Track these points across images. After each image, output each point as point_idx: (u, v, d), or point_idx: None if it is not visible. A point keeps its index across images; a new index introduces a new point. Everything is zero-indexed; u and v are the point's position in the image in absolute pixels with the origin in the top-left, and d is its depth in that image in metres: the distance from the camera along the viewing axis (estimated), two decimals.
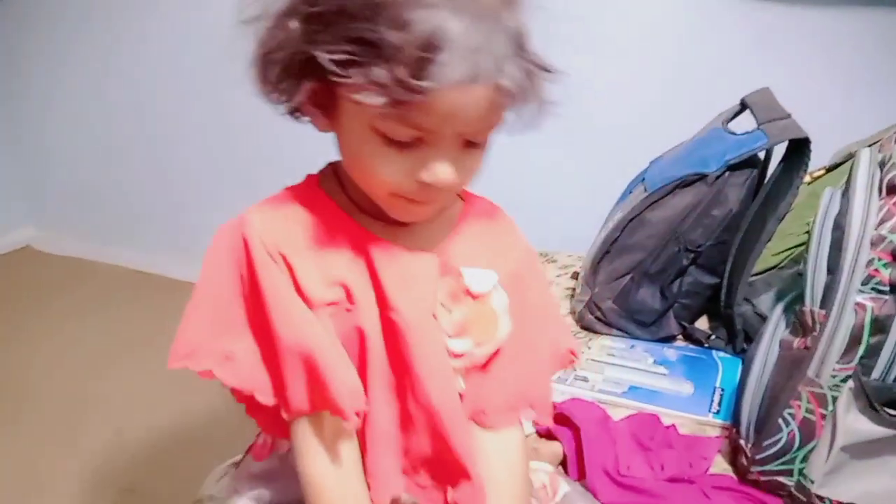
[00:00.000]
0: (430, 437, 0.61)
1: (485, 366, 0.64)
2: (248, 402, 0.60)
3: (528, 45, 0.54)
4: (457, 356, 0.61)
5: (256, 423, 0.64)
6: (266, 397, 0.58)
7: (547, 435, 0.92)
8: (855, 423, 0.74)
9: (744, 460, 0.83)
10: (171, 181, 2.46)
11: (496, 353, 0.64)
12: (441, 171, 0.53)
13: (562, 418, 0.92)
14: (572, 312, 1.27)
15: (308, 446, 0.59)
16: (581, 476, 0.85)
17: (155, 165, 2.47)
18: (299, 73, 0.53)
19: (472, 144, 0.55)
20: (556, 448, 0.89)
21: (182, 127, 2.30)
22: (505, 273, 0.64)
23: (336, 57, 0.49)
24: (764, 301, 1.09)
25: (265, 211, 0.60)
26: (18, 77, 2.62)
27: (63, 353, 2.04)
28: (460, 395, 0.63)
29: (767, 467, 0.80)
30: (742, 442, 0.84)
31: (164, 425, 1.71)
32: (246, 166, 2.06)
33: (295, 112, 0.58)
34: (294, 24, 0.52)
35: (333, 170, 0.64)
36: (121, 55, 2.36)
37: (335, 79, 0.50)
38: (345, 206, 0.61)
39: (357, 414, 0.57)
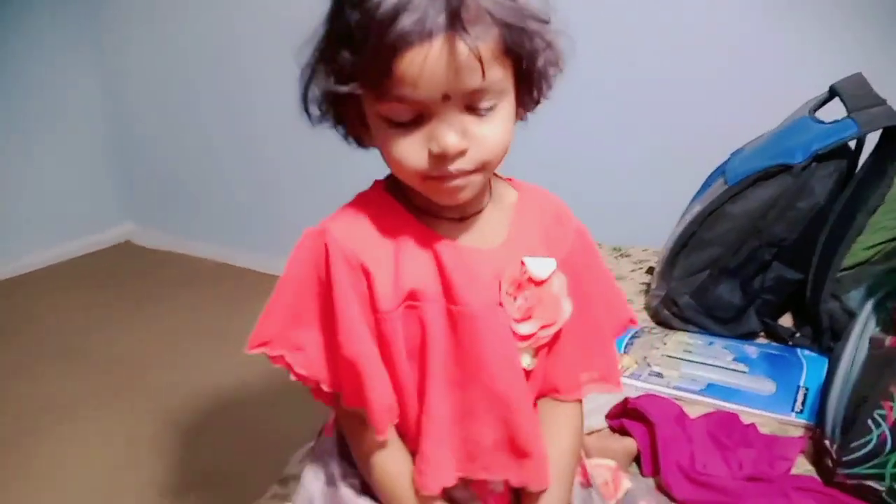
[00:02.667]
0: (494, 424, 0.64)
1: (553, 344, 0.68)
2: (314, 388, 0.66)
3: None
4: (524, 338, 0.64)
5: (323, 403, 0.69)
6: (327, 386, 0.64)
7: (620, 430, 0.91)
8: None
9: (829, 462, 0.80)
10: (257, 179, 2.57)
11: (560, 332, 0.67)
12: (444, 139, 0.54)
13: (636, 414, 0.91)
14: (647, 307, 1.24)
15: (357, 431, 0.66)
16: (654, 472, 0.84)
17: (242, 164, 2.59)
18: (332, 100, 0.60)
19: (476, 112, 0.56)
20: (628, 444, 0.88)
21: (268, 127, 2.39)
22: (562, 256, 0.67)
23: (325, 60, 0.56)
24: (853, 297, 1.04)
25: (345, 221, 0.64)
26: (121, 81, 2.80)
27: (159, 340, 2.18)
28: (529, 373, 0.67)
29: (855, 470, 0.77)
30: (827, 443, 0.80)
31: (247, 409, 1.79)
32: (327, 167, 2.12)
33: (348, 136, 0.64)
34: (313, 58, 0.58)
35: (393, 176, 0.67)
36: (211, 54, 2.48)
37: (334, 86, 0.55)
38: (411, 209, 0.65)
39: (387, 427, 0.63)
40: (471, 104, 0.55)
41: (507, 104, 0.58)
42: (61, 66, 2.72)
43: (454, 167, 0.56)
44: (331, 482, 0.71)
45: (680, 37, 1.64)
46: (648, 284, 1.29)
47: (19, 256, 2.70)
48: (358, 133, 0.63)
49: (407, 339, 0.63)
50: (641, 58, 1.70)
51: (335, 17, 0.56)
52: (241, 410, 1.80)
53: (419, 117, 0.55)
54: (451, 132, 0.55)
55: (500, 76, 0.56)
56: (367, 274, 0.62)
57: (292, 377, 0.65)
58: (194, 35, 2.49)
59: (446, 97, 0.54)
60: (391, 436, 0.65)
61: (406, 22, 0.50)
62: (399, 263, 0.62)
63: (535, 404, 0.70)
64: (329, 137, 0.65)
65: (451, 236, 0.64)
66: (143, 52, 2.67)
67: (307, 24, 0.58)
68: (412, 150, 0.56)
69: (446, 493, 0.67)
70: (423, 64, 0.51)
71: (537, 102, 0.64)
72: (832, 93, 1.14)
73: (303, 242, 0.64)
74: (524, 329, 0.64)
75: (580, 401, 0.72)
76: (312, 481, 0.72)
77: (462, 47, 0.51)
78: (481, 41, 0.52)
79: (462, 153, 0.56)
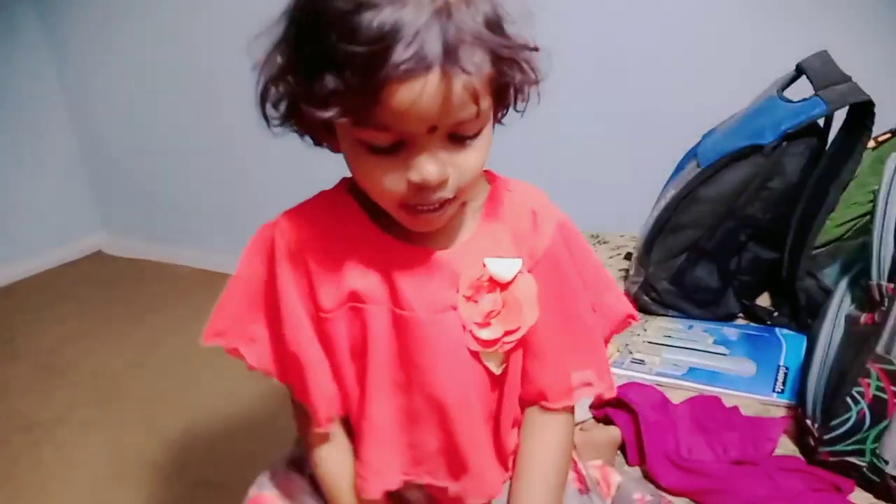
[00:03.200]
0: (437, 432, 0.63)
1: (532, 346, 0.65)
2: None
3: (497, 28, 0.53)
4: (488, 343, 0.62)
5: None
6: (277, 379, 0.65)
7: (604, 420, 0.91)
8: None
9: (811, 441, 0.80)
10: (229, 184, 2.53)
11: (542, 333, 0.64)
12: (426, 170, 0.52)
13: (619, 403, 0.91)
14: (626, 294, 1.24)
15: (304, 425, 0.67)
16: (640, 461, 0.84)
17: (213, 168, 2.55)
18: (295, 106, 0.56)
19: (460, 141, 0.54)
20: (613, 433, 0.88)
21: (237, 127, 2.35)
22: (539, 254, 0.64)
23: (298, 78, 0.53)
24: (828, 275, 1.05)
25: (298, 217, 0.64)
26: (87, 94, 2.75)
27: (135, 349, 2.14)
28: (498, 378, 0.65)
29: (837, 448, 0.77)
30: (808, 422, 0.81)
31: (234, 418, 1.77)
32: (301, 164, 2.09)
33: (314, 140, 0.62)
34: (278, 59, 0.55)
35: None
36: (175, 57, 2.44)
37: (311, 109, 0.51)
38: (369, 211, 0.63)
39: (329, 420, 0.64)
40: (456, 133, 0.54)
41: (489, 128, 0.57)
42: (23, 75, 2.67)
43: (433, 198, 0.55)
44: (287, 477, 0.73)
45: (649, 20, 1.63)
46: (627, 270, 1.29)
47: None
48: (325, 141, 0.61)
49: (350, 339, 0.63)
50: (611, 42, 1.70)
51: (310, 34, 0.51)
52: (227, 420, 1.78)
53: (400, 144, 0.53)
54: (432, 163, 0.53)
55: (487, 105, 0.54)
56: (309, 273, 0.62)
57: (248, 368, 0.65)
58: (157, 41, 2.45)
59: (433, 129, 0.52)
60: (335, 431, 0.66)
61: (401, 53, 0.47)
62: (344, 264, 0.62)
63: (521, 411, 0.69)
64: (299, 138, 0.63)
65: (407, 238, 0.62)
66: (107, 60, 2.61)
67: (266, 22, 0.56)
68: (390, 178, 0.54)
69: (398, 495, 0.67)
70: (418, 98, 0.49)
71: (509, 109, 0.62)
72: (799, 71, 1.14)
73: (255, 237, 0.65)
74: (485, 334, 0.62)
75: (571, 410, 0.69)
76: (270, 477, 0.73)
77: (457, 81, 0.49)
78: (475, 75, 0.50)
79: (444, 184, 0.54)
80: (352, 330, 0.62)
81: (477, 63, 0.50)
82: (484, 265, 0.62)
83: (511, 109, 0.62)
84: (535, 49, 0.56)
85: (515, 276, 0.62)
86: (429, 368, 0.61)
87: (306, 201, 0.67)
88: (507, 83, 0.56)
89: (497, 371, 0.64)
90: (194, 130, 2.52)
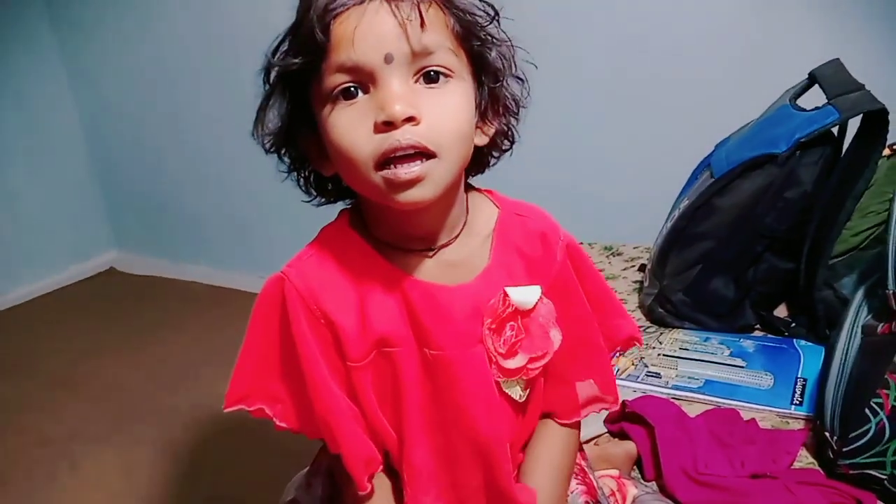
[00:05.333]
0: (477, 468, 0.63)
1: (546, 371, 0.65)
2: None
3: None
4: (512, 373, 0.61)
5: None
6: (309, 436, 0.64)
7: (620, 434, 0.90)
8: None
9: (830, 454, 0.79)
10: (241, 202, 2.54)
11: (555, 357, 0.63)
12: (388, 103, 0.51)
13: (635, 417, 0.90)
14: (641, 306, 1.24)
15: (345, 477, 0.63)
16: (657, 476, 0.83)
17: (225, 188, 2.56)
18: (292, 123, 0.59)
19: (427, 79, 0.54)
20: (629, 447, 0.87)
21: (250, 144, 2.37)
22: (550, 279, 0.64)
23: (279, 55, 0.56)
24: (846, 284, 1.04)
25: (306, 266, 0.61)
26: (101, 112, 2.78)
27: (148, 366, 2.14)
28: (521, 405, 0.65)
29: (856, 460, 0.76)
30: (827, 434, 0.80)
31: (247, 435, 1.76)
32: None
33: (302, 170, 0.64)
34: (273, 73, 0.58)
35: (356, 207, 0.65)
36: (186, 74, 2.46)
37: (280, 63, 0.56)
38: (376, 245, 0.62)
39: (370, 480, 0.62)
40: (419, 71, 0.53)
41: (463, 87, 0.56)
42: (37, 92, 2.70)
43: (404, 138, 0.51)
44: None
45: (661, 30, 1.63)
46: (641, 282, 1.28)
47: (4, 292, 2.67)
48: (316, 166, 0.61)
49: (382, 385, 0.61)
50: (624, 53, 1.70)
51: (292, 27, 0.56)
52: (240, 435, 1.77)
53: (366, 88, 0.53)
54: (396, 98, 0.51)
55: (448, 45, 0.54)
56: (330, 324, 0.59)
57: (276, 429, 0.64)
58: (172, 59, 2.47)
59: (389, 59, 0.52)
60: (378, 484, 0.64)
61: None
62: (366, 309, 0.60)
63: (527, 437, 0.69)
64: None
65: (420, 274, 0.61)
66: (121, 77, 2.64)
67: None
68: (358, 128, 0.53)
69: None
70: (360, 22, 0.51)
71: (508, 115, 0.62)
72: (811, 79, 1.13)
73: (265, 291, 0.62)
74: (512, 364, 0.61)
75: (579, 424, 0.71)
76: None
77: (402, 6, 0.51)
78: (423, 5, 0.52)
79: (412, 120, 0.52)
80: (383, 375, 0.61)
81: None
82: (505, 294, 0.61)
83: (510, 116, 0.62)
84: (493, 16, 0.57)
85: (536, 303, 0.61)
86: (465, 407, 0.61)
87: (310, 245, 0.64)
88: (468, 39, 0.56)
89: (521, 398, 0.64)
90: (207, 149, 2.53)
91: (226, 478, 1.61)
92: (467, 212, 0.64)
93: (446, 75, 0.54)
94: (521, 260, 0.64)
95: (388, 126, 0.51)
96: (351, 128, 0.53)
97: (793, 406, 0.92)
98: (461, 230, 0.63)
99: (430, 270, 0.61)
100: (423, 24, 0.51)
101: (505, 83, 0.60)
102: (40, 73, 2.69)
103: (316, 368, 0.59)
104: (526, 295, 0.61)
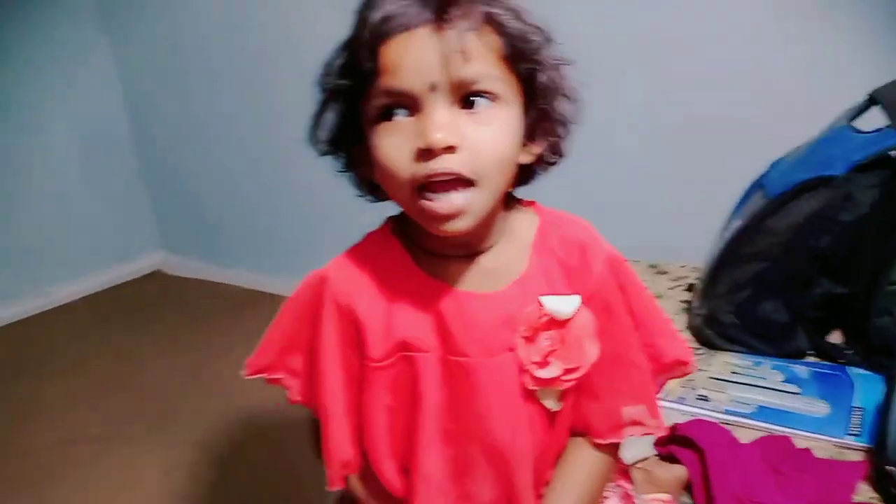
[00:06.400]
0: (492, 479, 0.62)
1: (584, 386, 0.64)
2: None
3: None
4: (546, 383, 0.61)
5: None
6: (315, 415, 0.67)
7: (669, 458, 0.89)
8: None
9: (893, 489, 0.76)
10: (285, 208, 2.58)
11: (593, 372, 0.63)
12: (429, 128, 0.52)
13: (684, 441, 0.88)
14: (689, 327, 1.21)
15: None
16: (707, 502, 0.81)
17: (269, 194, 2.60)
18: (343, 134, 0.61)
19: (469, 106, 0.54)
20: (678, 472, 0.86)
21: (294, 152, 2.40)
22: (589, 290, 0.63)
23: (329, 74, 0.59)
24: None
25: (345, 268, 0.65)
26: (150, 117, 2.85)
27: (188, 367, 2.18)
28: (554, 415, 0.64)
29: None
30: (891, 468, 0.77)
31: (284, 437, 1.78)
32: (353, 196, 2.13)
33: (359, 179, 0.65)
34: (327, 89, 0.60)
35: (402, 214, 0.65)
36: (237, 81, 2.51)
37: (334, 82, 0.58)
38: (416, 253, 0.63)
39: (339, 484, 0.65)
40: (463, 97, 0.53)
41: (508, 113, 0.56)
42: (89, 98, 2.77)
43: (442, 166, 0.52)
44: None
45: (714, 44, 1.61)
46: (689, 302, 1.26)
47: (49, 290, 2.73)
48: (365, 173, 0.63)
49: (401, 389, 0.62)
50: (674, 66, 1.68)
51: (345, 43, 0.58)
52: (277, 436, 1.79)
53: (411, 112, 0.54)
54: (438, 123, 0.52)
55: (494, 73, 0.54)
56: (357, 322, 0.62)
57: (288, 401, 0.67)
58: (220, 66, 2.52)
59: (433, 87, 0.52)
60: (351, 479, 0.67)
61: (391, 13, 0.52)
62: (393, 313, 0.61)
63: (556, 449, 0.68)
64: None
65: (455, 280, 0.61)
66: (170, 83, 2.70)
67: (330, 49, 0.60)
68: (401, 151, 0.54)
69: None
70: (407, 50, 0.52)
71: (556, 139, 0.62)
72: (871, 100, 1.10)
73: (305, 281, 0.66)
74: (544, 373, 0.61)
75: (617, 448, 0.69)
76: None
77: (449, 35, 0.51)
78: (471, 33, 0.52)
79: (451, 150, 0.52)
80: (403, 379, 0.62)
81: (471, 23, 0.52)
82: (540, 304, 0.61)
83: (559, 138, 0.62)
84: (549, 39, 0.57)
85: (573, 314, 0.61)
86: (485, 416, 0.61)
87: (353, 248, 0.67)
88: (518, 62, 0.56)
89: (556, 408, 0.64)
90: (253, 155, 2.57)
91: (261, 481, 1.63)
92: (509, 220, 0.64)
93: (491, 99, 0.55)
94: (561, 269, 0.64)
95: (427, 153, 0.52)
96: (393, 150, 0.54)
97: (849, 436, 0.89)
98: (501, 237, 0.63)
99: (467, 277, 0.62)
100: (468, 55, 0.52)
101: (555, 103, 0.60)
102: (91, 76, 2.77)
103: (330, 365, 0.63)
104: (563, 304, 0.61)
